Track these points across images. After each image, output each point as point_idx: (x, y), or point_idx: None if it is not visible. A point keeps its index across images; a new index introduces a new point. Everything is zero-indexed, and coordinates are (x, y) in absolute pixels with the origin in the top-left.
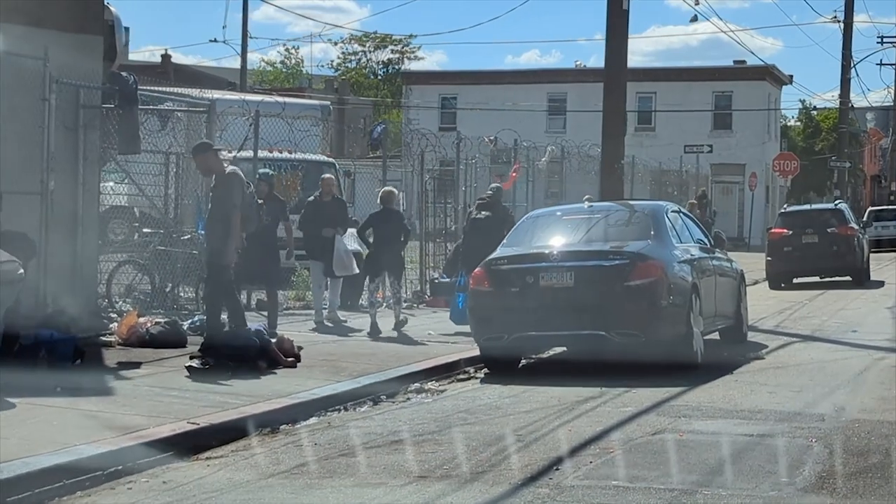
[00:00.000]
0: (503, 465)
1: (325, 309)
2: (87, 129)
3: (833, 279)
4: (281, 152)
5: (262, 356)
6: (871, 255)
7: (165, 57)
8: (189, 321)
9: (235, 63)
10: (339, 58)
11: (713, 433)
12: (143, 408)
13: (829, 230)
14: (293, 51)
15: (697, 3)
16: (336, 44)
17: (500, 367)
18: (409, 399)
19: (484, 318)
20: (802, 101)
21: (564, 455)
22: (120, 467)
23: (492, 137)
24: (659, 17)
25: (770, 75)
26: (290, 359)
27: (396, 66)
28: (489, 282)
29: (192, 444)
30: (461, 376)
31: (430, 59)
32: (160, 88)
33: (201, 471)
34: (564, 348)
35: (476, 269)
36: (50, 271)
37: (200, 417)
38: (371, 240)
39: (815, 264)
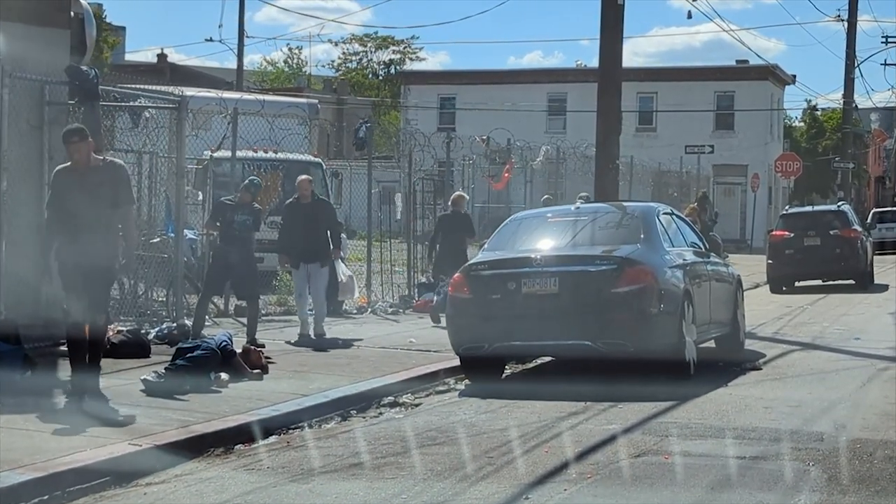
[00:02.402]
0: (467, 495)
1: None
2: (52, 127)
3: (836, 282)
4: (266, 152)
5: (226, 367)
6: (875, 257)
7: (162, 56)
8: (157, 329)
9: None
10: (340, 58)
11: (701, 455)
12: (82, 426)
13: (831, 232)
14: (296, 51)
15: (695, 0)
16: (336, 44)
17: (482, 377)
18: (380, 414)
19: (463, 327)
20: (808, 101)
21: (537, 481)
22: (46, 497)
23: (484, 137)
24: (661, 19)
25: (772, 75)
26: (256, 370)
27: (398, 67)
28: (469, 288)
29: (130, 468)
30: (440, 388)
31: (433, 60)
32: (133, 86)
33: (136, 500)
34: (551, 357)
35: (455, 275)
36: (6, 276)
37: (145, 437)
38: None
39: (818, 267)
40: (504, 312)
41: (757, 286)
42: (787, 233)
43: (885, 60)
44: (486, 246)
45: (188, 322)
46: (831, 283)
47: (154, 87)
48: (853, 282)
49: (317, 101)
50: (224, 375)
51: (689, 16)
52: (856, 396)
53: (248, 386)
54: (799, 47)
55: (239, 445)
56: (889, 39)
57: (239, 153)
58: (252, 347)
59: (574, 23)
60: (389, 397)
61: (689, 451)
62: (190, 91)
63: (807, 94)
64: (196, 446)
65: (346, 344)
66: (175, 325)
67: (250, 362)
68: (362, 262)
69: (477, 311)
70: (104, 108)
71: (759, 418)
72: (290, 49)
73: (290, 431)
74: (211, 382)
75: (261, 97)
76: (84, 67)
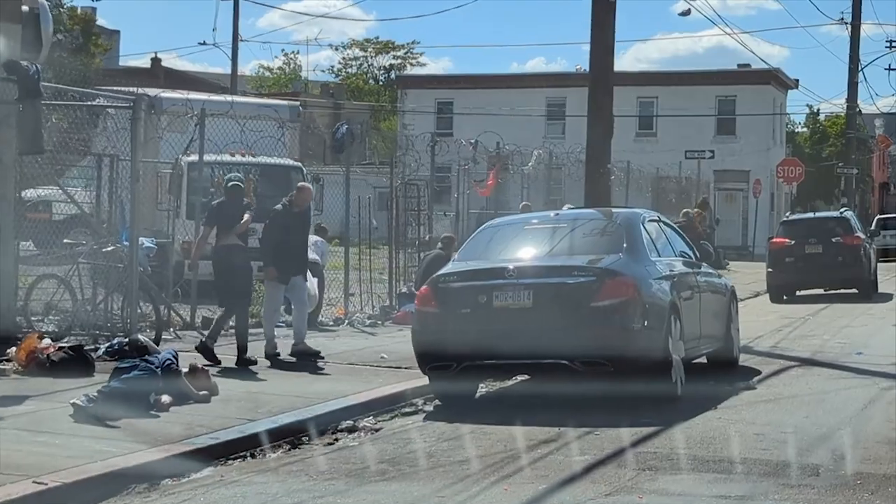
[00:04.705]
0: None
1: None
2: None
3: (838, 292)
4: (244, 155)
5: (170, 389)
6: (879, 265)
7: (156, 61)
8: (107, 344)
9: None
10: (340, 62)
11: (679, 495)
12: None
13: (833, 239)
14: (292, 56)
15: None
16: (336, 49)
17: (453, 398)
18: (335, 441)
19: (429, 344)
20: (810, 107)
21: None
22: None
23: (472, 140)
24: (664, 25)
25: (775, 79)
26: (202, 392)
27: (399, 72)
28: (436, 302)
29: None
30: (407, 409)
31: (436, 66)
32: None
33: None
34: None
35: (422, 287)
36: None
37: (55, 473)
38: None
39: (819, 276)
40: (474, 328)
41: (757, 295)
42: (787, 240)
43: (890, 65)
44: (456, 256)
45: (142, 337)
46: (833, 292)
47: (120, 88)
48: (856, 291)
49: (298, 103)
50: (166, 398)
51: (687, 12)
52: (857, 421)
53: (191, 409)
54: (802, 49)
55: (166, 480)
56: (893, 44)
57: (216, 157)
58: (200, 366)
59: (577, 28)
60: (349, 421)
61: (665, 490)
62: (152, 91)
63: (810, 100)
64: (114, 484)
65: (312, 360)
66: (127, 339)
67: (197, 383)
68: (339, 269)
69: (444, 326)
70: (60, 109)
71: (748, 448)
72: (286, 54)
73: (229, 462)
74: (150, 406)
75: (230, 98)
76: (24, 63)
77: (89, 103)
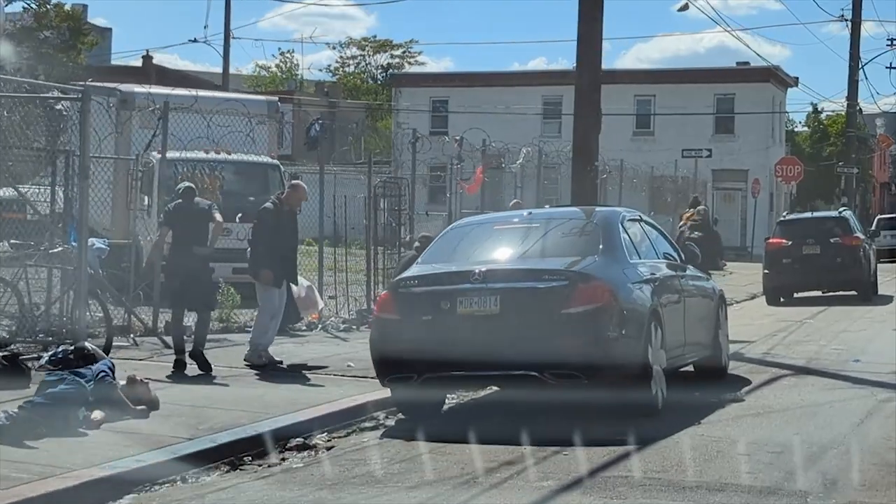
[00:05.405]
0: None
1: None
2: None
3: (837, 294)
4: (218, 153)
5: (103, 403)
6: (880, 266)
7: (147, 59)
8: (51, 352)
9: (234, 66)
10: (337, 61)
11: None
12: None
13: (832, 240)
14: (288, 55)
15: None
16: (333, 47)
17: (418, 411)
18: (282, 461)
19: (389, 354)
20: (814, 105)
21: None
22: None
23: (458, 138)
24: (667, 26)
25: (774, 77)
26: (140, 407)
27: (397, 71)
28: (396, 308)
29: None
30: (367, 424)
31: (437, 66)
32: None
33: None
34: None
35: (382, 293)
36: None
37: None
38: None
39: (817, 278)
40: (436, 337)
41: (753, 297)
42: (784, 240)
43: (891, 63)
44: (420, 258)
45: (89, 344)
46: (832, 294)
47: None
48: (855, 293)
49: (276, 98)
50: (98, 414)
51: (686, 7)
52: (852, 439)
53: (125, 426)
54: (803, 45)
55: None
56: (894, 41)
57: (192, 154)
58: (139, 379)
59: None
60: (299, 439)
61: None
62: (111, 84)
63: (811, 99)
64: None
65: (269, 369)
66: (73, 347)
67: (134, 397)
68: (314, 271)
69: (405, 334)
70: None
71: (731, 470)
72: (283, 53)
73: (153, 489)
74: (79, 423)
75: (194, 92)
76: None
77: (42, 95)
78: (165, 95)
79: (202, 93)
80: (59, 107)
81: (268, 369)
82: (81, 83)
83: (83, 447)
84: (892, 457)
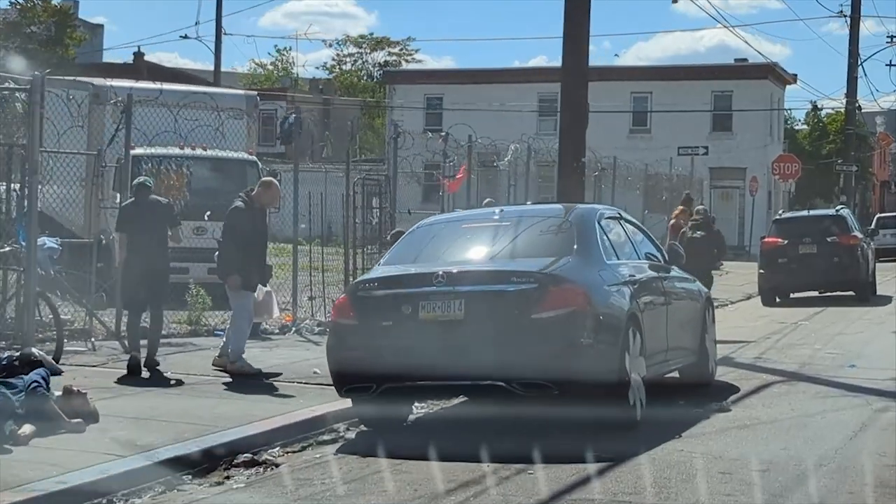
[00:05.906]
0: None
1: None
2: None
3: (834, 294)
4: (193, 149)
5: (35, 416)
6: (879, 265)
7: (138, 55)
8: None
9: (229, 62)
10: (334, 59)
11: None
12: None
13: (829, 239)
14: (285, 52)
15: None
16: (330, 45)
17: (380, 424)
18: (224, 480)
19: (346, 362)
20: (813, 103)
21: None
22: None
23: (443, 134)
24: (667, 25)
25: (772, 73)
26: (76, 420)
27: (394, 68)
28: (354, 312)
29: None
30: (325, 437)
31: (437, 64)
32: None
33: None
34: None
35: (340, 297)
36: None
37: None
38: None
39: (814, 277)
40: (396, 344)
41: (749, 297)
42: (780, 239)
43: (891, 61)
44: (382, 259)
45: (36, 350)
46: (829, 294)
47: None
48: (853, 293)
49: (255, 93)
50: (27, 428)
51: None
52: (844, 454)
53: (56, 442)
54: (803, 41)
55: None
56: (894, 38)
57: (165, 150)
58: (76, 390)
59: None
60: (247, 455)
61: None
62: (98, 80)
63: (810, 97)
64: None
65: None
66: (18, 353)
67: (70, 409)
68: (287, 270)
69: (363, 341)
70: None
71: (710, 492)
72: (278, 50)
73: None
74: (5, 438)
75: (159, 85)
76: None
77: None
78: (128, 88)
79: (167, 86)
80: (17, 103)
81: (259, 377)
82: (33, 74)
83: (6, 465)
84: (888, 475)
